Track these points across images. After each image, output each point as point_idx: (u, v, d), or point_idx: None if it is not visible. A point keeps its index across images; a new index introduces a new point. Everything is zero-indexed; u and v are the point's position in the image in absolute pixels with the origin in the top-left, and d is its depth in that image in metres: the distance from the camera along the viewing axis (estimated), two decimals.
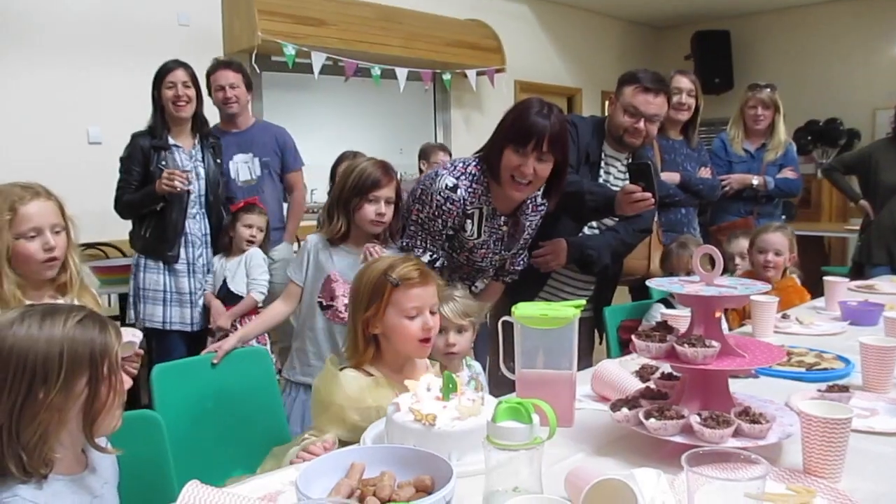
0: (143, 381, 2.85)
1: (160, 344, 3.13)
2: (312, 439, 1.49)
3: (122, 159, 3.10)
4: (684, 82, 3.36)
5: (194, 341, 3.15)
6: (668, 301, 2.74)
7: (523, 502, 1.00)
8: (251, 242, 3.19)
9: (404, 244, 2.27)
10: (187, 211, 3.08)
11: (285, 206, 3.72)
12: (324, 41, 5.26)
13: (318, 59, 5.22)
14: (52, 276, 1.81)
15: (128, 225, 3.17)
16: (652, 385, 1.57)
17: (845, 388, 1.64)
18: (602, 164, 2.72)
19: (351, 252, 2.26)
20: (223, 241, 3.21)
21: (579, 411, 1.60)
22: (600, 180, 2.70)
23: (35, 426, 1.12)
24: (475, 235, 2.25)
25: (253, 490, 1.24)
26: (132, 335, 1.69)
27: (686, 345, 1.37)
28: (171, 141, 3.09)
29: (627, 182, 2.54)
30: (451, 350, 1.95)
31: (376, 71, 5.63)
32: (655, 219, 2.94)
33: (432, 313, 1.67)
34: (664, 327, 1.48)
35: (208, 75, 3.44)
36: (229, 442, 1.99)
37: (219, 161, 3.23)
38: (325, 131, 5.83)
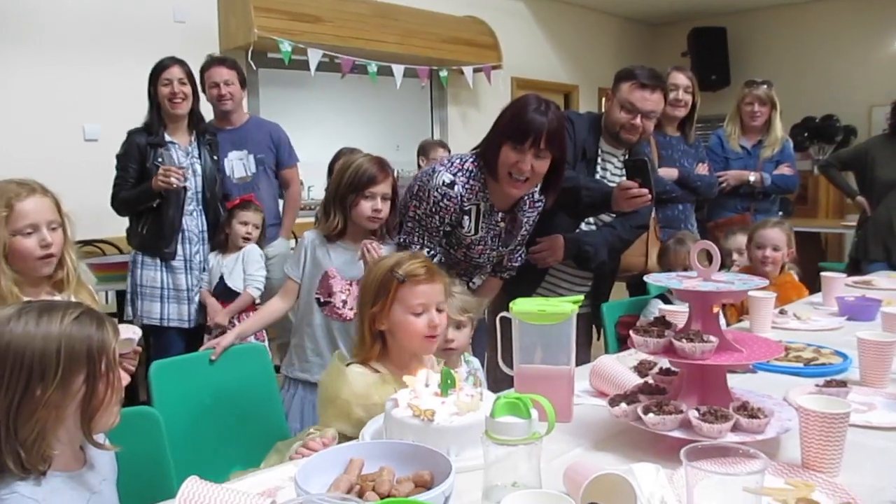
0: (142, 377, 2.85)
1: (158, 341, 3.13)
2: (316, 434, 1.49)
3: (118, 156, 3.09)
4: (681, 79, 3.37)
5: (192, 338, 3.15)
6: (665, 297, 2.74)
7: (522, 497, 1.00)
8: (247, 239, 3.19)
9: (401, 241, 2.26)
10: (184, 208, 3.08)
11: (281, 202, 3.72)
12: (320, 38, 5.25)
13: (314, 56, 5.21)
14: (49, 272, 1.81)
15: (125, 222, 3.16)
16: (650, 380, 1.57)
17: (843, 383, 1.65)
18: (599, 160, 2.72)
19: (348, 248, 2.25)
20: (219, 239, 3.21)
21: (578, 406, 1.61)
22: (597, 176, 2.70)
23: (33, 423, 1.12)
24: (472, 232, 2.25)
25: (252, 486, 1.24)
26: (132, 332, 1.69)
27: (684, 340, 1.37)
28: (167, 138, 3.09)
29: (624, 178, 2.55)
30: (450, 346, 1.95)
31: (373, 68, 5.62)
32: (652, 215, 2.94)
33: (439, 311, 1.67)
34: (662, 322, 1.48)
35: (202, 72, 3.42)
36: (228, 438, 1.98)
37: (215, 158, 3.23)
38: (321, 128, 5.83)
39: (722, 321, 1.59)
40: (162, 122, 3.08)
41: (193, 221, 3.13)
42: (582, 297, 1.68)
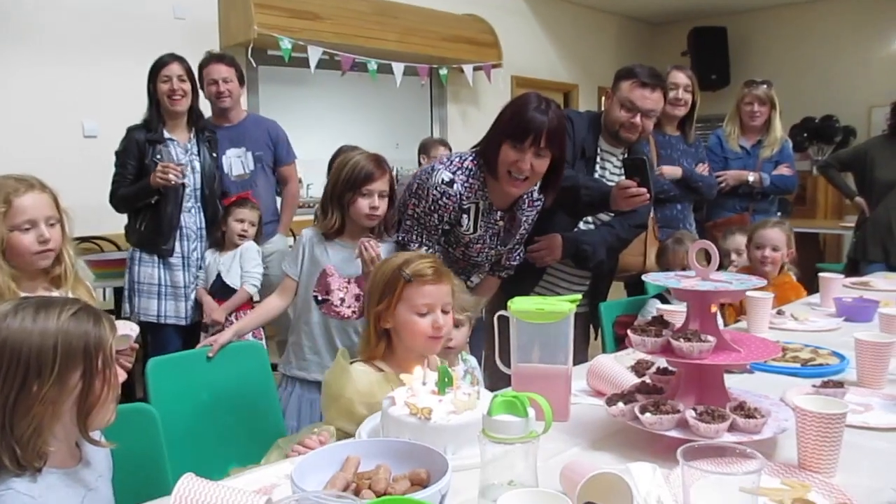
0: (139, 374, 2.85)
1: (155, 337, 3.13)
2: (316, 431, 1.49)
3: (117, 153, 3.09)
4: (681, 77, 3.36)
5: (189, 335, 3.15)
6: (663, 297, 2.74)
7: (518, 496, 1.00)
8: (243, 237, 3.19)
9: (400, 239, 2.26)
10: (182, 205, 3.07)
11: (279, 199, 3.72)
12: (320, 35, 5.25)
13: (314, 54, 5.21)
14: (47, 265, 1.81)
15: (123, 219, 3.16)
16: (647, 380, 1.57)
17: (840, 384, 1.65)
18: (598, 159, 2.72)
19: (346, 246, 2.25)
20: (215, 236, 3.21)
21: (575, 406, 1.61)
22: (596, 175, 2.70)
23: (29, 419, 1.11)
24: (471, 230, 2.24)
25: (248, 483, 1.24)
26: (129, 328, 1.69)
27: (682, 339, 1.37)
28: (166, 134, 3.08)
29: (623, 177, 2.54)
30: (448, 344, 1.94)
31: (373, 65, 5.62)
32: (651, 215, 2.94)
33: (444, 312, 1.67)
34: (660, 322, 1.48)
35: (201, 69, 3.41)
36: (225, 436, 1.98)
37: (214, 155, 3.23)
38: (321, 126, 5.83)
39: (720, 321, 1.59)
40: (161, 118, 3.08)
41: (192, 218, 3.13)
42: (580, 296, 1.68)
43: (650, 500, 1.12)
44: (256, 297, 3.24)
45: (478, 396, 1.33)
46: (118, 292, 3.55)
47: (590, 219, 2.71)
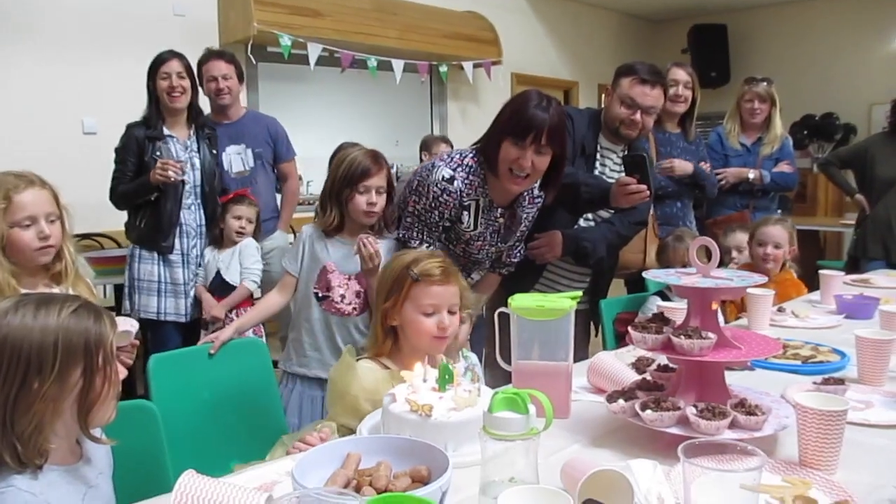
0: (139, 371, 2.85)
1: (155, 334, 3.13)
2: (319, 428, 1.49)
3: (117, 150, 3.09)
4: (681, 74, 3.36)
5: (188, 332, 3.15)
6: (664, 294, 2.74)
7: (519, 493, 1.00)
8: (241, 234, 3.18)
9: (401, 235, 2.26)
10: (182, 201, 3.07)
11: (279, 196, 3.72)
12: (320, 32, 5.25)
13: (314, 51, 5.20)
14: (47, 261, 1.80)
15: (123, 216, 3.16)
16: (648, 377, 1.57)
17: (841, 381, 1.65)
18: (598, 156, 2.72)
19: (346, 243, 2.25)
20: (214, 233, 3.21)
21: (575, 403, 1.61)
22: (596, 172, 2.70)
23: (30, 417, 1.11)
24: (472, 227, 2.24)
25: (249, 480, 1.24)
26: (129, 325, 1.69)
27: (682, 336, 1.37)
28: (165, 131, 3.08)
29: (623, 174, 2.54)
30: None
31: (372, 62, 5.61)
32: (651, 212, 2.94)
33: (451, 312, 1.67)
34: (661, 319, 1.48)
35: (200, 66, 3.40)
36: (226, 433, 1.98)
37: (214, 152, 3.23)
38: (320, 123, 5.82)
39: (720, 318, 1.59)
40: (161, 115, 3.08)
41: (191, 215, 3.13)
42: (580, 293, 1.68)
43: (651, 497, 1.12)
44: (257, 294, 3.24)
45: (478, 393, 1.33)
46: (118, 289, 3.55)
47: (590, 216, 2.71)
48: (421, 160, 4.49)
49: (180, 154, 3.08)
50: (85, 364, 1.15)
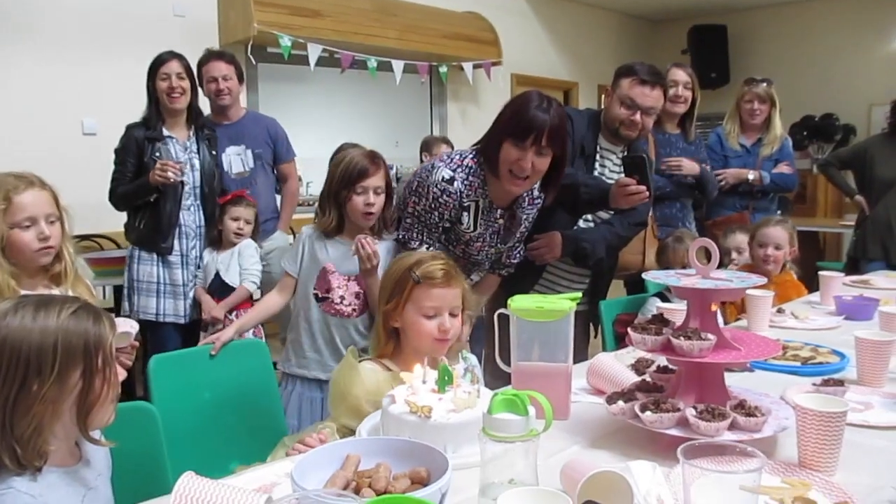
0: (138, 373, 2.85)
1: (154, 336, 3.12)
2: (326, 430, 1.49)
3: (116, 150, 3.09)
4: (681, 75, 3.36)
5: (187, 333, 3.15)
6: (663, 295, 2.74)
7: (519, 494, 1.00)
8: (239, 235, 3.17)
9: (400, 236, 2.26)
10: (181, 203, 3.07)
11: (278, 197, 3.72)
12: (320, 33, 5.25)
13: (314, 51, 5.20)
14: (47, 262, 1.80)
15: (123, 217, 3.16)
16: (648, 378, 1.57)
17: (840, 382, 1.65)
18: (597, 156, 2.72)
19: (345, 244, 2.25)
20: (212, 235, 3.20)
21: (575, 404, 1.61)
22: (595, 173, 2.70)
23: (29, 418, 1.11)
24: (471, 228, 2.24)
25: (248, 481, 1.23)
26: (129, 326, 1.68)
27: (682, 337, 1.37)
28: (165, 132, 3.08)
29: (622, 175, 2.54)
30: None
31: (372, 63, 5.61)
32: (650, 213, 2.94)
33: (453, 315, 1.67)
34: (660, 320, 1.48)
35: (200, 66, 3.40)
36: (226, 434, 1.98)
37: (214, 153, 3.22)
38: (320, 123, 5.83)
39: (720, 319, 1.59)
40: (160, 116, 3.08)
41: (191, 216, 3.12)
42: (580, 294, 1.68)
43: (650, 498, 1.12)
44: (256, 295, 3.24)
45: (478, 395, 1.33)
46: (118, 290, 3.55)
47: (589, 217, 2.71)
48: (421, 161, 4.49)
49: (180, 155, 3.08)
50: (84, 366, 1.15)
